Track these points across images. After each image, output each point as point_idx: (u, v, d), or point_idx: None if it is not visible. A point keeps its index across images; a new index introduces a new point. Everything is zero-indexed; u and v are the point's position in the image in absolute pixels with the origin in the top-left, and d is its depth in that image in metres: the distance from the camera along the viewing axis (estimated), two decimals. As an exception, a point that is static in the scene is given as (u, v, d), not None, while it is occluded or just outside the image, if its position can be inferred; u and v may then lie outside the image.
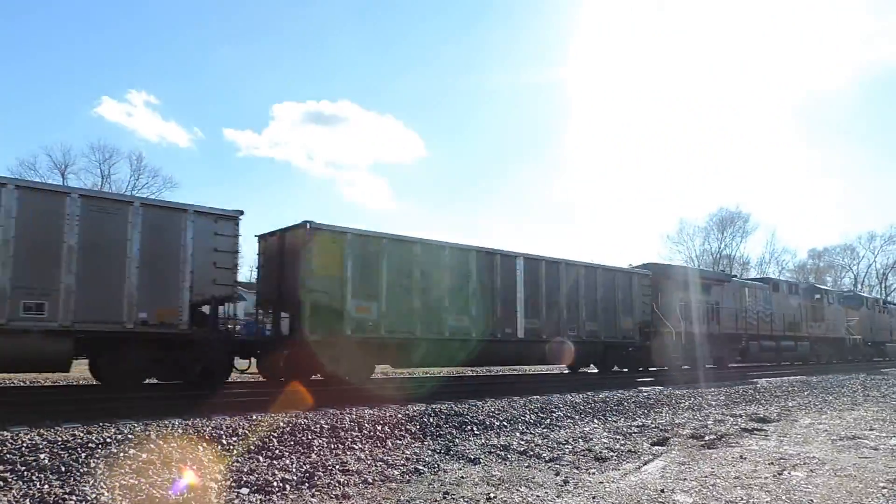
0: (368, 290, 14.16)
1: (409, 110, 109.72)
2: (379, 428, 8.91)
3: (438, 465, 7.28)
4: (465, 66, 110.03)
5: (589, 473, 7.04)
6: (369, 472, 6.78)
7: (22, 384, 14.94)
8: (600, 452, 8.18)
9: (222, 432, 7.83)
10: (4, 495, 5.37)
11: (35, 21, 79.10)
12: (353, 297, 13.87)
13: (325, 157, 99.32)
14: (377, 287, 14.36)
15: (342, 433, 8.51)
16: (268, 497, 5.79)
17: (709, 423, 11.21)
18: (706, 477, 6.88)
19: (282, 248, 14.50)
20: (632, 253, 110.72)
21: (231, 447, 7.41)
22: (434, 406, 10.69)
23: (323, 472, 6.61)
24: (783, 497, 6.03)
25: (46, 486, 5.62)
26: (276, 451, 7.49)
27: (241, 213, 12.85)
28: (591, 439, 9.22)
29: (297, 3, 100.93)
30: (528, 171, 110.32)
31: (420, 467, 7.07)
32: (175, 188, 55.42)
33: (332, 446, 8.00)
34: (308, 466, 6.80)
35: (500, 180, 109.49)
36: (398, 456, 7.61)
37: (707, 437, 9.49)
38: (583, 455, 8.06)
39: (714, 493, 6.20)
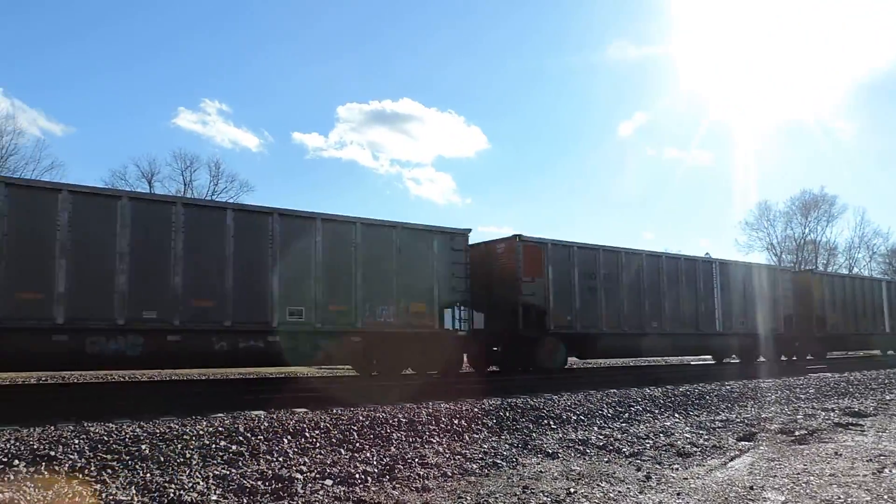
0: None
1: (469, 103, 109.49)
2: (455, 422, 8.99)
3: (516, 459, 7.28)
4: (516, 49, 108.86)
5: (672, 469, 6.87)
6: (448, 465, 6.85)
7: (121, 380, 15.92)
8: (683, 448, 7.96)
9: (305, 426, 8.10)
10: (113, 482, 5.76)
11: (116, 42, 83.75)
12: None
13: (389, 155, 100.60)
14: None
15: (419, 427, 8.64)
16: (350, 489, 5.94)
17: (798, 417, 10.70)
18: (798, 474, 6.58)
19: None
20: (709, 240, 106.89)
21: (314, 440, 7.66)
22: (510, 400, 10.69)
23: (403, 465, 6.73)
24: (885, 496, 5.69)
25: (148, 475, 5.99)
26: (357, 444, 7.69)
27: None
28: (673, 434, 8.99)
29: (347, 7, 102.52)
30: (594, 159, 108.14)
31: (498, 461, 7.09)
32: (251, 192, 57.42)
33: (411, 440, 8.14)
34: (388, 459, 6.94)
35: (564, 169, 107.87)
36: (476, 450, 7.65)
37: (798, 432, 9.06)
38: (664, 450, 7.87)
39: (808, 490, 5.92)
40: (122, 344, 11.50)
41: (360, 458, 7.02)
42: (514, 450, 7.76)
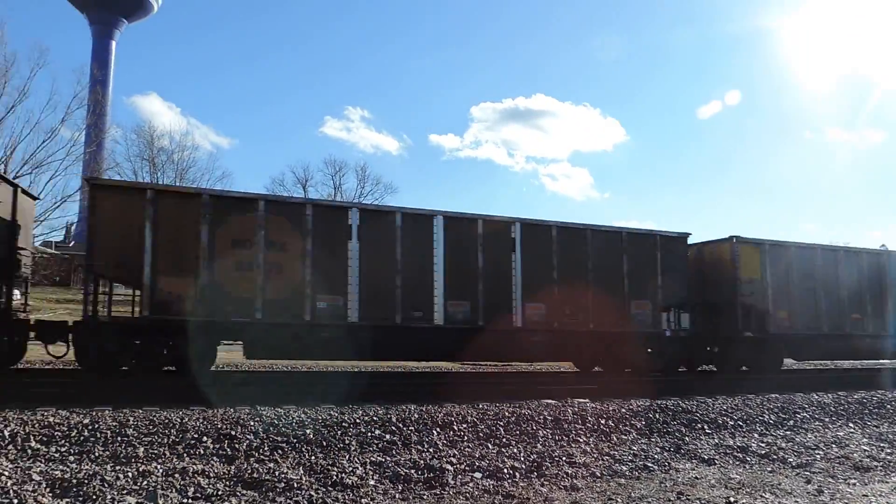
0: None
1: (605, 95, 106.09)
2: (602, 422, 8.82)
3: (669, 463, 7.01)
4: (651, 25, 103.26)
5: (848, 484, 6.28)
6: (596, 465, 6.76)
7: (284, 370, 17.23)
8: (860, 461, 7.24)
9: (453, 419, 8.35)
10: (284, 461, 6.32)
11: (269, 63, 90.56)
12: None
13: (524, 152, 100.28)
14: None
15: (565, 425, 8.58)
16: (499, 482, 6.06)
17: None
18: None
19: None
20: (882, 232, 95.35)
21: (462, 433, 7.87)
22: (659, 402, 10.29)
23: (550, 463, 6.74)
24: None
25: (313, 458, 6.49)
26: (504, 439, 7.80)
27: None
28: (848, 445, 8.19)
29: (477, 11, 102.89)
30: (740, 145, 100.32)
31: (649, 464, 6.87)
32: (394, 193, 59.86)
33: (557, 437, 8.11)
34: (535, 456, 6.98)
35: (707, 157, 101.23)
36: (625, 451, 7.47)
37: None
38: (838, 463, 7.20)
39: None
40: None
41: (507, 454, 7.11)
42: (665, 454, 7.48)
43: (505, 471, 6.35)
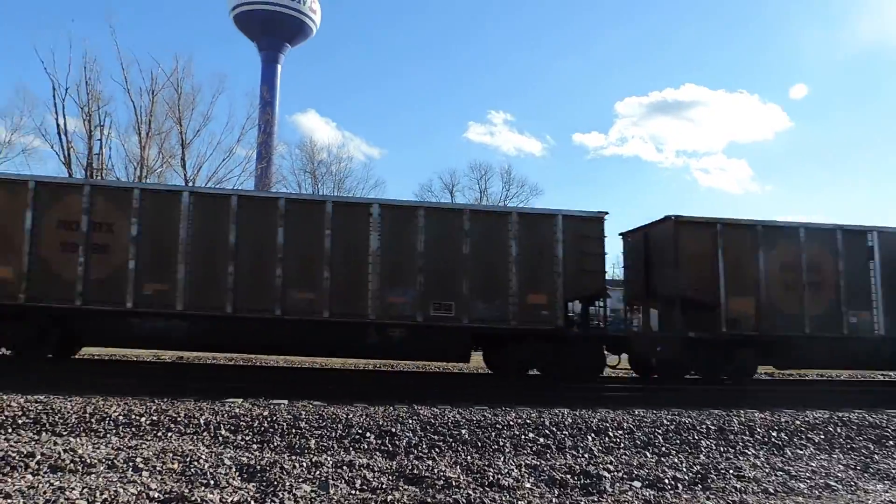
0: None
1: (762, 79, 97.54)
2: (774, 434, 8.17)
3: (855, 483, 6.34)
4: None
5: None
6: (768, 480, 6.28)
7: (437, 371, 17.75)
8: None
9: (608, 424, 8.15)
10: (441, 459, 6.54)
11: (413, 72, 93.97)
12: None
13: (674, 147, 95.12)
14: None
15: (731, 436, 8.06)
16: (660, 493, 5.82)
17: None
18: None
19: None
20: None
21: (618, 440, 7.66)
22: (840, 414, 9.33)
23: (716, 475, 6.35)
24: None
25: (469, 458, 6.65)
26: (663, 448, 7.49)
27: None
28: None
29: (616, 8, 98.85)
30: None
31: (831, 483, 6.26)
32: (539, 195, 59.36)
33: (722, 449, 7.63)
34: (698, 467, 6.62)
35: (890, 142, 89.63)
36: (801, 467, 6.86)
37: None
38: None
39: None
40: None
41: (667, 463, 6.82)
42: (850, 472, 6.77)
43: (666, 481, 6.10)
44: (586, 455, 7.06)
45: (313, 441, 6.98)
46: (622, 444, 7.54)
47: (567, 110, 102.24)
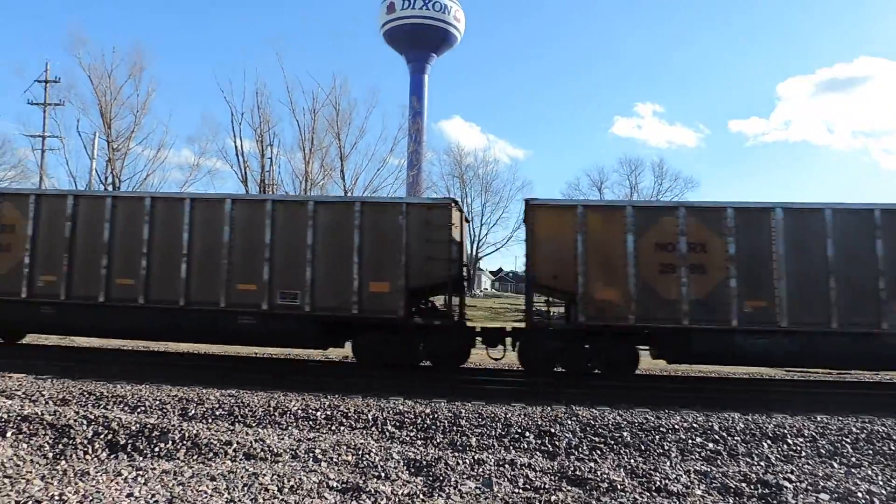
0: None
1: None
2: None
3: None
4: None
5: None
6: None
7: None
8: None
9: (786, 431, 7.53)
10: (603, 461, 6.43)
11: (550, 67, 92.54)
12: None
13: (849, 127, 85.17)
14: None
15: (938, 448, 7.10)
16: (853, 508, 5.29)
17: None
18: None
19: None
20: None
21: (798, 448, 7.06)
22: None
23: (921, 492, 5.64)
24: None
25: (632, 461, 6.47)
26: (853, 459, 6.78)
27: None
28: None
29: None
30: None
31: None
32: (695, 188, 56.43)
33: (928, 462, 6.75)
34: (898, 482, 5.91)
35: None
36: None
37: None
38: None
39: None
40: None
41: (859, 475, 6.16)
42: None
43: (859, 495, 5.52)
44: (763, 463, 6.58)
45: (474, 439, 7.16)
46: (804, 453, 6.93)
47: (721, 96, 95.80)
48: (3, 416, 6.53)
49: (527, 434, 7.25)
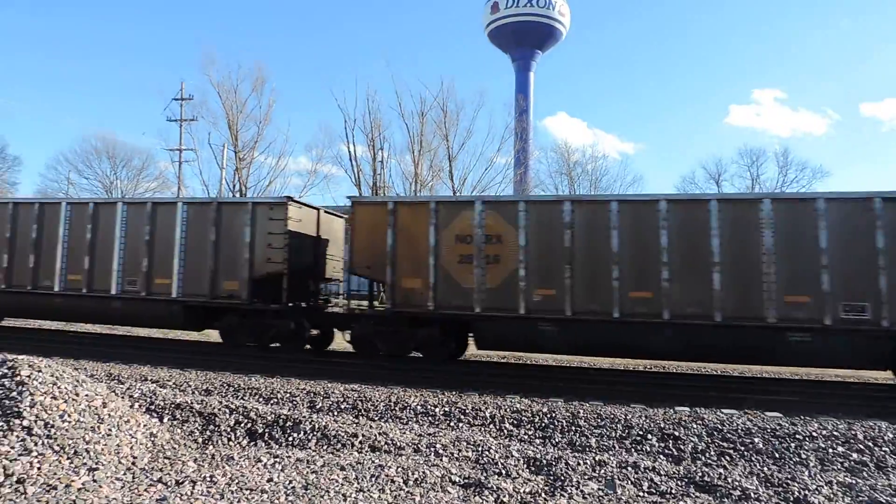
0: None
1: None
2: None
3: None
4: None
5: None
6: None
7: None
8: None
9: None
10: (733, 467, 6.13)
11: (660, 59, 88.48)
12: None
13: None
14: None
15: None
16: None
17: None
18: None
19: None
20: None
21: (961, 462, 6.38)
22: None
23: None
24: None
25: (766, 469, 6.12)
26: None
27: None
28: None
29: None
30: None
31: None
32: (824, 177, 52.03)
33: None
34: None
35: None
36: None
37: None
38: None
39: None
40: None
41: None
42: None
43: None
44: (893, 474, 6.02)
45: (594, 440, 7.06)
46: (966, 468, 6.25)
47: (850, 78, 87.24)
48: (160, 403, 7.23)
49: (649, 436, 7.05)
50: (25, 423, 5.42)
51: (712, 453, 6.62)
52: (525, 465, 6.08)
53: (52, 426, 5.48)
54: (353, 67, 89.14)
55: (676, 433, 7.09)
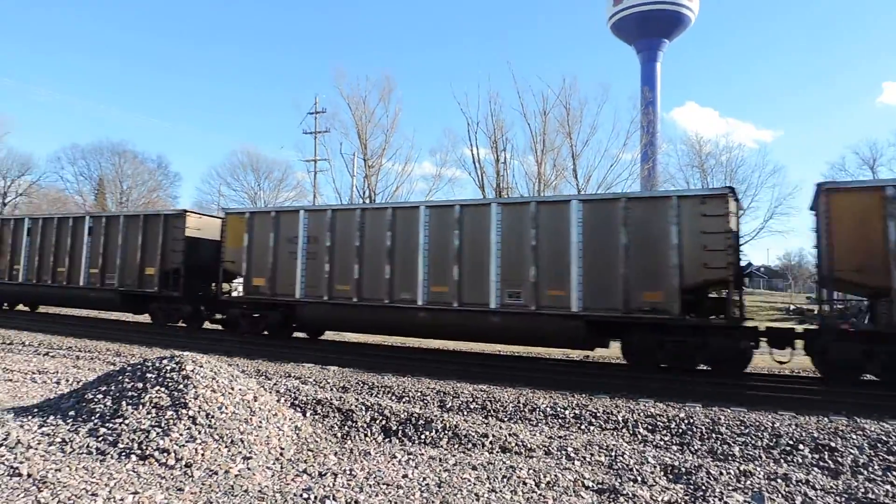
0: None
1: None
2: None
3: None
4: None
5: None
6: None
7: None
8: None
9: None
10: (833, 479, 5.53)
11: (802, 39, 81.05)
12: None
13: None
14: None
15: None
16: None
17: None
18: None
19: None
20: None
21: None
22: None
23: None
24: None
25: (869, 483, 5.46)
26: None
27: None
28: None
29: None
30: None
31: None
32: None
33: None
34: None
35: None
36: None
37: None
38: None
39: None
40: None
41: None
42: None
43: None
44: None
45: (737, 448, 6.64)
46: None
47: None
48: (303, 398, 7.72)
49: (800, 447, 6.52)
50: (190, 412, 5.99)
51: (876, 467, 5.99)
52: (662, 473, 5.84)
53: (213, 416, 6.02)
54: (476, 71, 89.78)
55: (833, 444, 6.50)
